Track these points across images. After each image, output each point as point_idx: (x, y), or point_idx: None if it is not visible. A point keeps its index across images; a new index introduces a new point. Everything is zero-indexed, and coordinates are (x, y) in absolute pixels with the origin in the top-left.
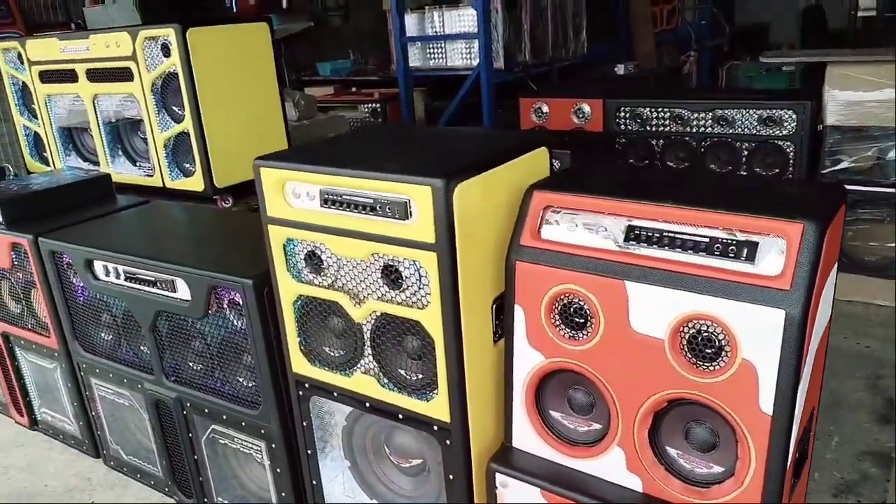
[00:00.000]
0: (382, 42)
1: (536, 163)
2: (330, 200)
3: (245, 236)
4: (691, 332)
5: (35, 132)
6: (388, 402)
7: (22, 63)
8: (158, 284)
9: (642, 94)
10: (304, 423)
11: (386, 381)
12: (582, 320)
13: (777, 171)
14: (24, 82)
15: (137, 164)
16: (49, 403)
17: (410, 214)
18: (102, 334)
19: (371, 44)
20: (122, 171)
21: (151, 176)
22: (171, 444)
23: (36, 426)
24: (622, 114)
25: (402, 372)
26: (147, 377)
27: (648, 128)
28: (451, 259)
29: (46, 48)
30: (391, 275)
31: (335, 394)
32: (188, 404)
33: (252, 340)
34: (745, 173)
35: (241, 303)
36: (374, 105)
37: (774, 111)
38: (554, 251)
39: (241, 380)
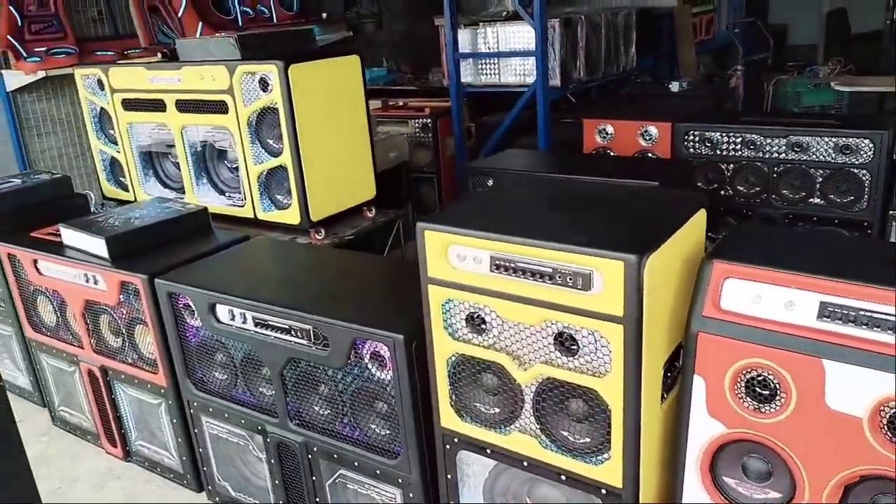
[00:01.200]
0: (415, 49)
1: (698, 226)
2: (501, 266)
3: (368, 280)
4: (893, 411)
5: (112, 157)
6: (550, 463)
7: (102, 89)
8: (293, 332)
9: (712, 118)
10: (449, 476)
11: (548, 442)
12: (768, 392)
13: (852, 198)
14: (102, 108)
15: (226, 194)
16: (146, 436)
17: (593, 285)
18: (216, 374)
19: (406, 51)
20: (207, 200)
21: (241, 206)
22: (289, 485)
23: (130, 458)
24: (691, 137)
25: (566, 434)
26: (269, 419)
27: (718, 151)
28: (637, 331)
29: (132, 77)
30: (565, 342)
31: (488, 451)
32: (315, 449)
33: (398, 393)
34: (820, 200)
35: (384, 355)
36: (425, 120)
37: (851, 139)
38: (739, 324)
39: (374, 427)
